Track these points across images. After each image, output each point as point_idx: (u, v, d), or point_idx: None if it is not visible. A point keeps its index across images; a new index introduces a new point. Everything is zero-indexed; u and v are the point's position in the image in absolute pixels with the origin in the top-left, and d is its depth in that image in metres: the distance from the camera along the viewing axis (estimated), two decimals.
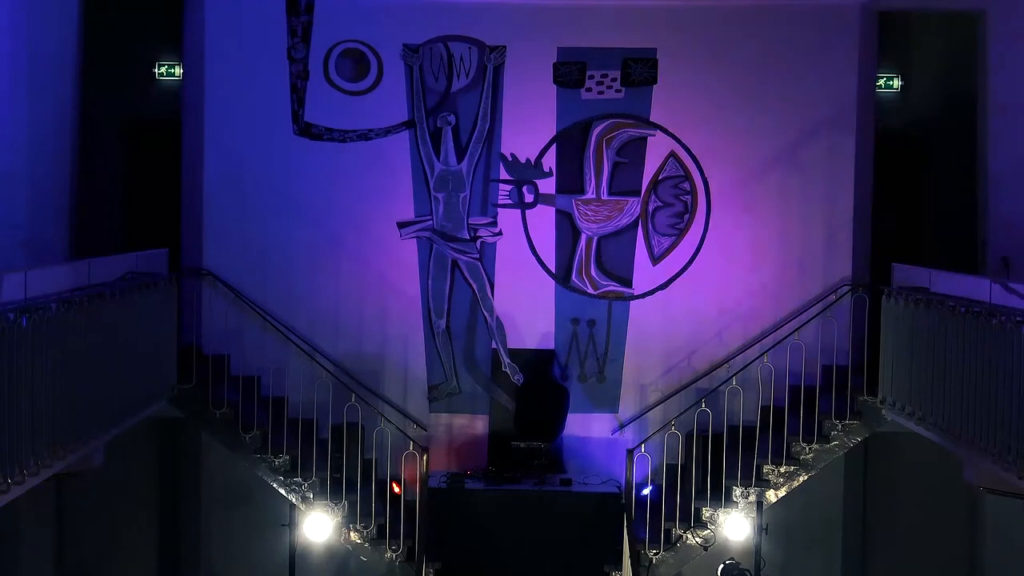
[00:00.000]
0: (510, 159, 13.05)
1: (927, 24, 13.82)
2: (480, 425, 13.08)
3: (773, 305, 12.94)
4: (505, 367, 13.06)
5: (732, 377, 12.36)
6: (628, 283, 13.09)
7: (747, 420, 12.28)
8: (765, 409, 12.46)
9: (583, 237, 13.07)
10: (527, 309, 13.08)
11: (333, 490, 12.18)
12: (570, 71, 12.99)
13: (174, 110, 13.22)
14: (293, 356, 12.58)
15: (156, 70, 13.80)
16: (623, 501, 12.03)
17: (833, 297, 12.77)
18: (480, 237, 13.07)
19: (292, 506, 11.79)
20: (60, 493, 12.86)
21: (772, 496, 12.18)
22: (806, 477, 12.27)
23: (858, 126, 12.87)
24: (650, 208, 13.05)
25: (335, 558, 12.96)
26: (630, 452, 11.99)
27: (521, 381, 12.99)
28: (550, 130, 13.03)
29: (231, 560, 13.35)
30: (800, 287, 12.94)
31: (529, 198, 13.08)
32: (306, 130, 12.97)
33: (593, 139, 13.00)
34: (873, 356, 12.11)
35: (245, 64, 12.90)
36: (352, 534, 12.07)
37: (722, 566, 11.14)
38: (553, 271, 13.11)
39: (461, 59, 12.97)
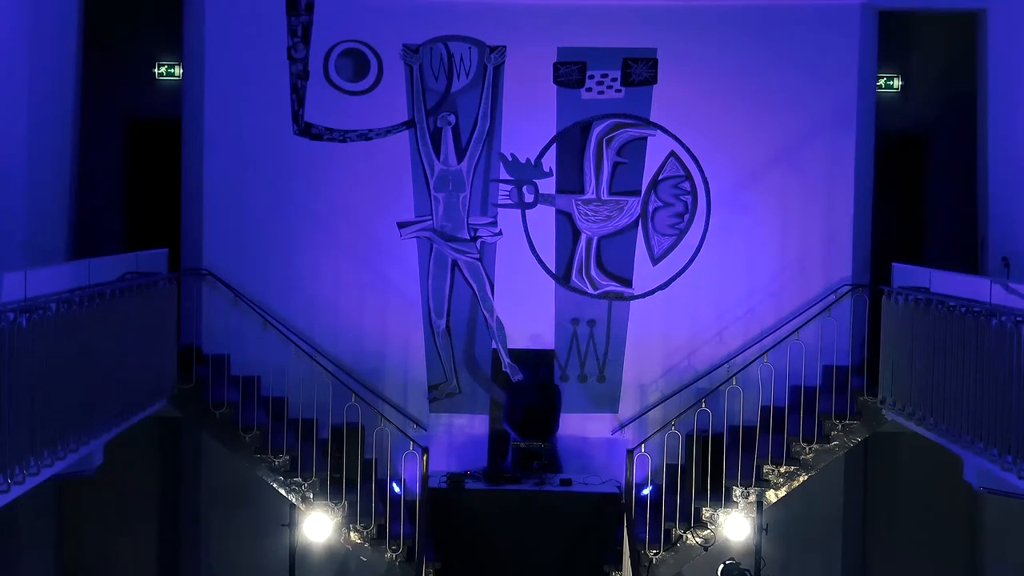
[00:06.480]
0: (510, 159, 13.05)
1: (927, 24, 13.82)
2: (480, 425, 13.07)
3: (773, 305, 12.94)
4: (505, 367, 13.06)
5: (732, 377, 12.36)
6: (628, 283, 13.09)
7: (747, 420, 12.28)
8: (765, 409, 12.46)
9: (583, 237, 13.06)
10: (527, 309, 13.09)
11: (333, 490, 12.18)
12: (570, 71, 12.99)
13: (174, 110, 13.21)
14: (293, 356, 12.57)
15: (156, 70, 13.80)
16: (623, 501, 12.03)
17: (833, 297, 12.77)
18: (480, 237, 13.06)
19: (292, 506, 11.79)
20: (60, 493, 12.87)
21: (772, 496, 12.17)
22: (806, 477, 12.27)
23: (858, 126, 12.86)
24: (650, 208, 13.05)
25: (335, 558, 12.97)
26: (630, 452, 11.99)
27: (520, 379, 12.98)
28: (550, 130, 13.03)
29: (231, 560, 13.34)
30: (800, 287, 12.93)
31: (529, 198, 13.08)
32: (306, 130, 12.97)
33: (593, 139, 13.00)
34: (873, 356, 12.11)
35: (245, 64, 12.90)
36: (352, 534, 12.06)
37: (722, 566, 11.13)
38: (553, 271, 13.10)
39: (461, 59, 12.96)
